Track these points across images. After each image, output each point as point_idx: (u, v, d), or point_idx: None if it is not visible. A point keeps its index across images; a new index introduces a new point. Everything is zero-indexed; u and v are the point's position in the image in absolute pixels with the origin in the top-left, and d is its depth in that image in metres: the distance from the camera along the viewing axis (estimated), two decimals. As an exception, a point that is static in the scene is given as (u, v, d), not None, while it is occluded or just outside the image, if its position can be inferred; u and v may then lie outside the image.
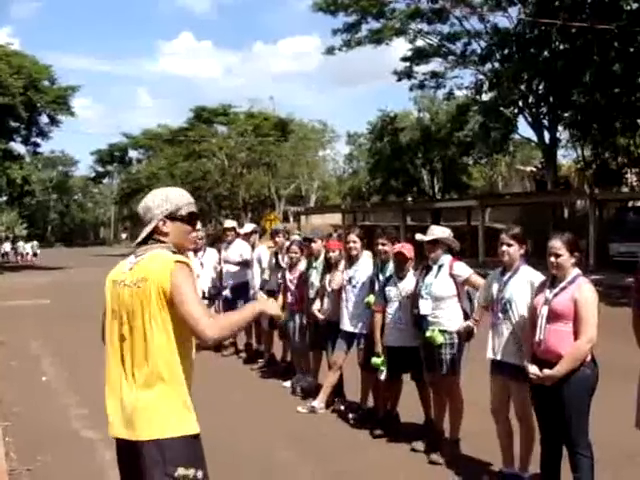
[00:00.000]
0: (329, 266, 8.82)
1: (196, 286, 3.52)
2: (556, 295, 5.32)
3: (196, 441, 3.49)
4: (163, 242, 3.64)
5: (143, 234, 3.67)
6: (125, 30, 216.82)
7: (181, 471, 3.36)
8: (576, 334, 5.20)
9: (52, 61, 68.92)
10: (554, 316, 5.28)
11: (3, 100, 40.73)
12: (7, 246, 66.84)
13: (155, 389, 3.42)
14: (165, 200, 3.68)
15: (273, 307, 3.71)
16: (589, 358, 5.25)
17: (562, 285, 5.33)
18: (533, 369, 5.35)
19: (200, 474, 3.43)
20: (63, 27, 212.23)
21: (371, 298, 7.76)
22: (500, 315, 5.93)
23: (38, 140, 49.52)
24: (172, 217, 3.65)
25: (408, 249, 7.40)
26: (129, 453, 3.52)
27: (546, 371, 5.24)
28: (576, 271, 5.39)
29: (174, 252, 3.60)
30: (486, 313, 6.44)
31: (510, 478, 6.05)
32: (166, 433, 3.37)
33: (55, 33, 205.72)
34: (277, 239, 10.79)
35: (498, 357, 5.92)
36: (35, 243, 66.23)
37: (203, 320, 3.32)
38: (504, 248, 5.96)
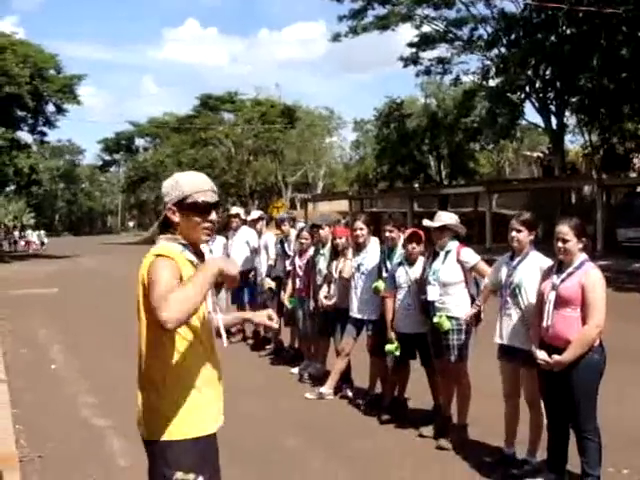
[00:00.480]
0: (336, 253, 8.83)
1: (170, 276, 3.10)
2: (563, 281, 5.33)
3: (200, 444, 3.30)
4: (172, 233, 3.37)
5: (155, 224, 3.57)
6: (130, 17, 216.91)
7: (179, 475, 3.23)
8: (584, 319, 5.21)
9: (56, 49, 69.10)
10: (562, 301, 5.29)
11: (10, 89, 40.79)
12: (16, 235, 66.95)
13: (152, 391, 3.29)
14: (174, 187, 3.38)
15: (231, 264, 3.23)
16: (597, 343, 5.26)
17: (569, 270, 5.34)
18: (542, 355, 5.36)
19: (200, 479, 3.27)
20: (66, 15, 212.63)
21: (379, 284, 7.76)
22: (509, 300, 5.95)
23: (45, 129, 49.68)
24: (181, 206, 3.33)
25: (420, 234, 7.40)
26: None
27: (555, 357, 5.25)
28: (583, 256, 5.40)
29: (183, 244, 3.34)
30: (492, 297, 6.46)
31: (509, 458, 6.13)
32: (166, 435, 3.25)
33: (59, 21, 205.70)
34: (283, 227, 10.81)
35: (507, 342, 5.95)
36: (42, 232, 66.27)
37: (160, 304, 2.95)
38: (514, 234, 5.97)
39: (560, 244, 5.35)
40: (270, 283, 11.05)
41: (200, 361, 3.35)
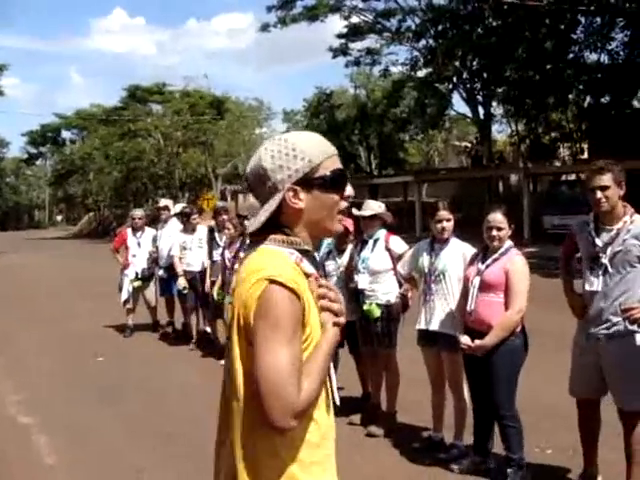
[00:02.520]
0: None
1: (293, 346, 2.10)
2: (488, 266, 5.41)
3: None
4: (283, 230, 2.29)
5: (262, 217, 2.26)
6: (56, 7, 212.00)
7: None
8: (507, 304, 5.29)
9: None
10: (485, 286, 5.37)
11: None
12: None
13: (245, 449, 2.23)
14: (294, 155, 2.27)
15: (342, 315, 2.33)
16: (519, 329, 5.35)
17: (495, 257, 5.43)
18: (465, 339, 5.43)
19: None
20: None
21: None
22: (433, 286, 6.05)
23: (-34, 121, 48.45)
24: (307, 183, 2.27)
25: (349, 223, 7.41)
26: None
27: (477, 341, 5.33)
28: (508, 243, 5.49)
29: (303, 251, 2.28)
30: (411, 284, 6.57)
31: (437, 444, 6.24)
32: None
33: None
34: (219, 217, 10.63)
35: (431, 327, 6.04)
36: None
37: (273, 399, 2.06)
38: (444, 224, 6.05)
39: (495, 232, 5.42)
40: (183, 283, 11.12)
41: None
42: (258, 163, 2.29)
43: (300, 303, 2.12)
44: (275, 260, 2.18)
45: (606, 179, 4.80)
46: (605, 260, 4.86)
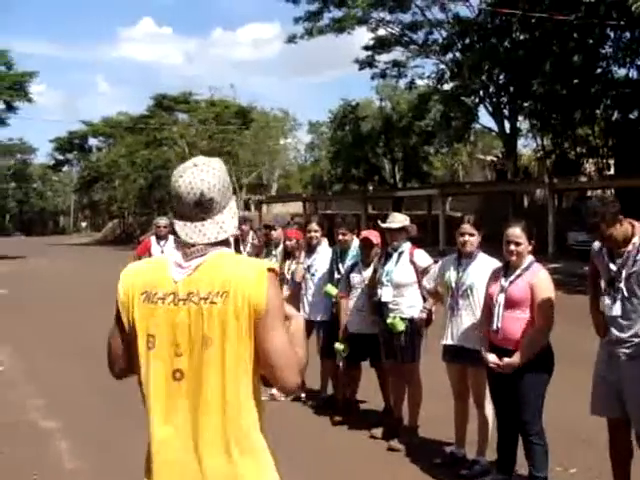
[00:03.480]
0: (287, 254, 8.81)
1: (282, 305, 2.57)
2: (512, 282, 5.35)
3: None
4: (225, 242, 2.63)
5: (218, 230, 2.60)
6: (84, 15, 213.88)
7: None
8: (533, 321, 5.24)
9: (4, 45, 68.08)
10: (511, 303, 5.31)
11: (-42, 86, 40.10)
12: None
13: (249, 453, 2.56)
14: (227, 176, 2.67)
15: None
16: (545, 345, 5.29)
17: (518, 272, 5.37)
18: (492, 358, 5.37)
19: None
20: (16, 10, 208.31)
21: (328, 287, 7.76)
22: (460, 301, 5.98)
23: (-5, 127, 48.86)
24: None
25: (375, 235, 7.40)
26: None
27: (506, 359, 5.27)
28: (530, 258, 5.44)
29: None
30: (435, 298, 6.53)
31: (460, 460, 6.19)
32: None
33: (7, 17, 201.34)
34: (242, 227, 10.63)
35: (457, 342, 5.98)
36: None
37: (294, 365, 2.52)
38: (467, 238, 6.01)
39: (512, 247, 5.36)
40: None
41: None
42: (215, 182, 2.60)
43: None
44: (245, 257, 2.76)
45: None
46: (622, 285, 4.80)
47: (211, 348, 2.46)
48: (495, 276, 5.56)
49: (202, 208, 2.56)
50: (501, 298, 5.37)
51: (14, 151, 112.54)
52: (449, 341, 6.09)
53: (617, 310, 4.86)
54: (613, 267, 4.88)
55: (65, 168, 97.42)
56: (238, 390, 2.48)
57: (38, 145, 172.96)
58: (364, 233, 7.52)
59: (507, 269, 5.47)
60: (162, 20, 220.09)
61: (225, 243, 2.62)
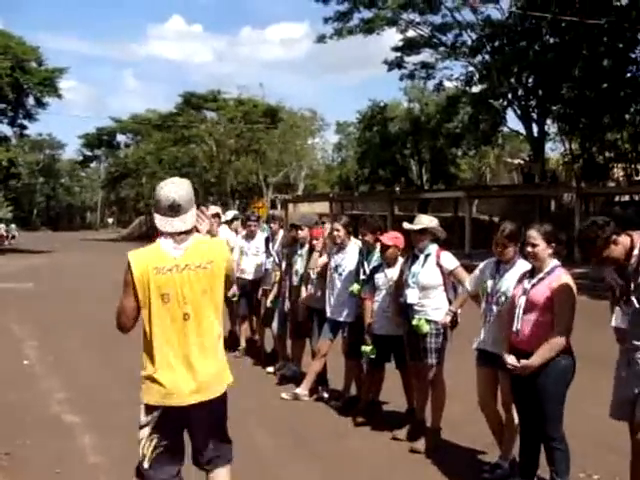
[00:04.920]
0: (313, 254, 8.83)
1: None
2: (534, 286, 5.34)
3: None
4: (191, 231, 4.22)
5: (189, 223, 4.17)
6: (114, 12, 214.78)
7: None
8: (553, 325, 5.21)
9: (35, 41, 68.47)
10: (531, 306, 5.30)
11: (-11, 81, 40.44)
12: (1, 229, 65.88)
13: (219, 355, 4.26)
14: (192, 191, 4.25)
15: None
16: (565, 349, 5.26)
17: (540, 276, 5.35)
18: (511, 359, 5.35)
19: None
20: (47, 6, 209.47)
21: (354, 287, 7.76)
22: (494, 307, 5.94)
23: (25, 122, 49.25)
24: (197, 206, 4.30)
25: (392, 237, 7.38)
26: (185, 413, 4.14)
27: (522, 361, 5.26)
28: (554, 262, 5.40)
29: None
30: (469, 302, 6.48)
31: (505, 472, 6.03)
32: (228, 380, 4.33)
33: (38, 13, 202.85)
34: (272, 225, 10.59)
35: (489, 348, 5.93)
36: (13, 226, 65.55)
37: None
38: (499, 249, 5.98)
39: (529, 248, 5.39)
40: (234, 290, 10.99)
41: None
42: (185, 193, 4.17)
43: None
44: (211, 239, 4.41)
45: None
46: (633, 297, 4.84)
47: (206, 295, 4.13)
48: (521, 279, 5.54)
49: (173, 210, 4.10)
50: (522, 301, 5.35)
51: (43, 146, 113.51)
52: (481, 346, 6.06)
53: (630, 320, 4.93)
54: (620, 281, 4.95)
55: (93, 164, 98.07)
56: (218, 319, 4.23)
57: (67, 141, 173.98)
58: (385, 235, 7.50)
59: (533, 272, 5.45)
60: (192, 18, 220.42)
61: (194, 231, 4.23)
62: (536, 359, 5.20)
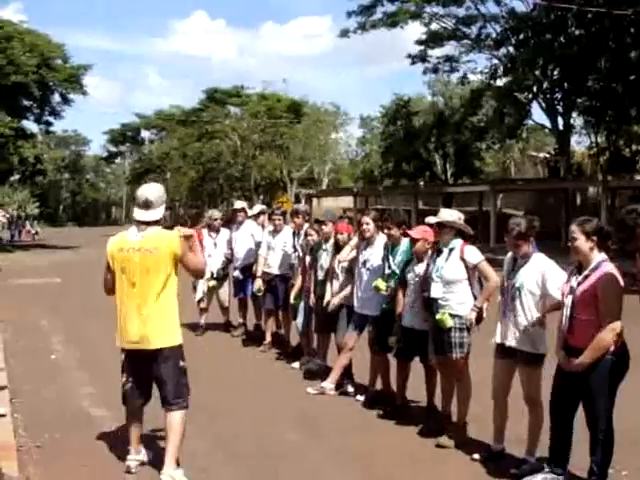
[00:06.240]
0: (338, 249, 8.81)
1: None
2: (580, 284, 5.31)
3: (182, 347, 5.78)
4: (158, 223, 5.69)
5: (156, 216, 5.67)
6: (136, 8, 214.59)
7: (181, 363, 5.76)
8: (600, 322, 5.18)
9: (59, 37, 68.62)
10: (578, 305, 5.29)
11: (16, 78, 40.57)
12: (27, 224, 66.42)
13: (160, 314, 5.61)
14: (164, 194, 5.85)
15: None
16: (613, 346, 5.23)
17: (586, 273, 5.33)
18: (562, 357, 5.38)
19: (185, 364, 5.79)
20: (71, 3, 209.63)
21: (378, 282, 7.74)
22: (509, 302, 5.96)
23: (50, 119, 49.46)
24: (167, 206, 5.87)
25: (427, 231, 7.35)
26: (142, 359, 5.70)
27: (575, 360, 5.27)
28: (600, 257, 5.35)
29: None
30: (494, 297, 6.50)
31: (497, 455, 6.27)
32: (173, 341, 5.68)
33: (61, 9, 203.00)
34: (296, 220, 10.54)
35: (507, 342, 5.97)
36: (36, 222, 66.06)
37: (200, 263, 5.95)
38: (512, 248, 5.99)
39: (570, 242, 5.39)
40: (259, 285, 11.05)
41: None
42: (152, 194, 5.69)
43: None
44: (171, 231, 5.67)
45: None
46: None
47: (150, 271, 5.56)
48: (570, 275, 5.53)
49: (146, 205, 5.63)
50: (569, 300, 5.36)
51: (69, 143, 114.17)
52: (499, 340, 6.09)
53: None
54: None
55: (118, 160, 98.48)
56: (167, 291, 5.62)
57: (92, 137, 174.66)
58: (415, 230, 7.48)
59: (580, 268, 5.43)
60: (215, 13, 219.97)
61: (159, 223, 5.71)
62: (584, 358, 5.22)
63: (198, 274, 6.12)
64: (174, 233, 5.62)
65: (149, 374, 5.75)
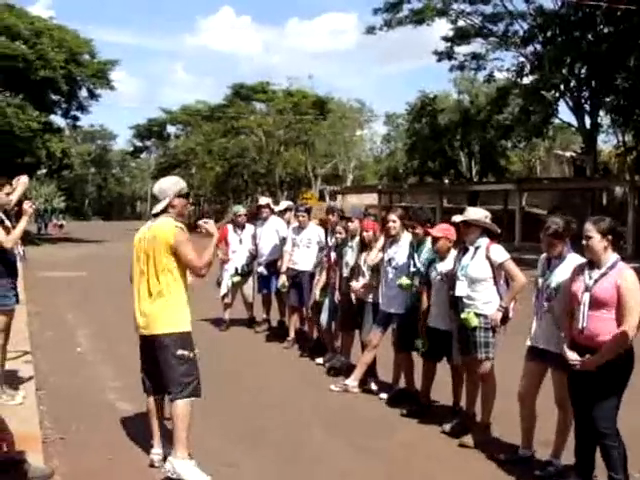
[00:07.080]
0: (364, 246, 8.80)
1: (187, 241, 5.75)
2: (597, 282, 5.26)
3: (189, 335, 5.79)
4: (169, 213, 5.85)
5: (160, 207, 5.86)
6: (164, 4, 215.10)
7: (179, 352, 5.67)
8: (619, 321, 5.14)
9: (87, 33, 68.93)
10: (596, 303, 5.24)
11: (45, 73, 40.91)
12: (54, 218, 66.99)
13: (162, 302, 5.74)
14: (175, 183, 5.97)
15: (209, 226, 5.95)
16: (628, 346, 5.20)
17: (602, 271, 5.28)
18: (574, 356, 5.31)
19: (192, 354, 5.74)
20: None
21: (404, 280, 7.73)
22: (545, 304, 5.89)
23: (78, 114, 49.86)
24: (179, 195, 5.90)
25: (449, 230, 7.33)
26: (147, 345, 5.88)
27: (589, 356, 5.22)
28: (615, 256, 5.34)
29: (176, 219, 5.83)
30: (526, 297, 6.45)
31: (525, 460, 6.18)
32: (170, 329, 5.71)
33: (89, 5, 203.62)
34: (331, 217, 10.27)
35: (540, 345, 5.91)
36: (61, 215, 66.56)
37: (194, 260, 5.70)
38: (547, 248, 5.93)
39: (584, 241, 5.35)
40: (283, 281, 11.07)
41: (186, 284, 5.95)
42: (161, 186, 5.93)
43: (186, 232, 5.74)
44: (171, 221, 5.77)
45: None
46: None
47: (150, 258, 5.76)
48: (578, 273, 5.47)
49: (154, 198, 5.94)
50: (586, 297, 5.29)
51: (95, 137, 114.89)
52: (533, 342, 6.02)
53: None
54: None
55: (143, 155, 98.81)
56: (162, 278, 5.72)
57: (118, 132, 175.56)
58: (436, 228, 7.46)
59: (591, 266, 5.38)
60: (241, 9, 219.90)
61: (166, 213, 5.86)
62: (602, 356, 5.18)
63: (195, 272, 5.77)
64: (171, 223, 5.75)
65: (155, 362, 5.83)
